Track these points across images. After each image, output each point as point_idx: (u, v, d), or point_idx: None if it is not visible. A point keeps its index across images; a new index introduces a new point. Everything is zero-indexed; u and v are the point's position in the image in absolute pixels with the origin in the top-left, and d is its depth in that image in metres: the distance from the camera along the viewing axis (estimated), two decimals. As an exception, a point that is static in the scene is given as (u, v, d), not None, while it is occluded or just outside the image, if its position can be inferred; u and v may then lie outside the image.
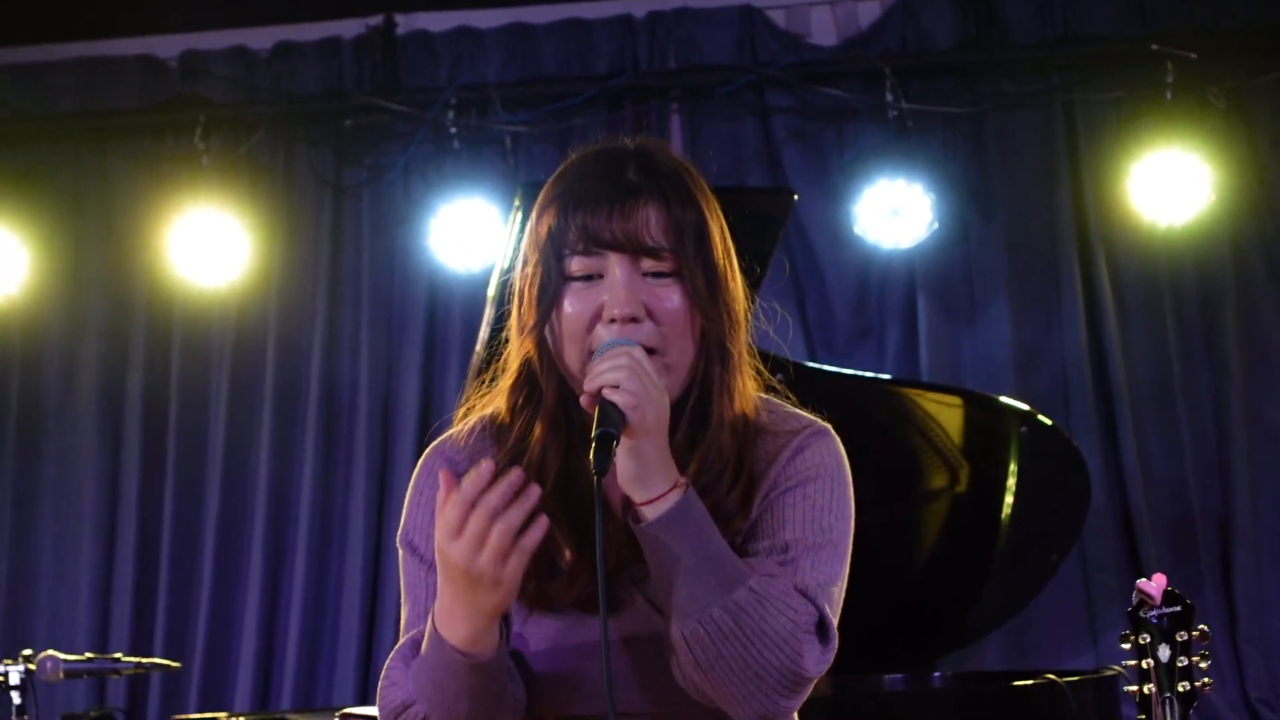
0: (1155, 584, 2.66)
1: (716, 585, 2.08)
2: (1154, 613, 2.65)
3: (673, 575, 2.09)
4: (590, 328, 2.18)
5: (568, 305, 2.19)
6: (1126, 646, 2.67)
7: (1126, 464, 6.32)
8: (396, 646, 2.24)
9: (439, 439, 2.38)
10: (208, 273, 6.44)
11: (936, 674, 5.31)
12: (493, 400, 2.35)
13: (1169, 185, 6.07)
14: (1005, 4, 6.58)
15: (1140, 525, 6.25)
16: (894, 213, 6.21)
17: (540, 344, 2.23)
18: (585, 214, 2.19)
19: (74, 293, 6.81)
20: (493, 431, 2.34)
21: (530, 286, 2.24)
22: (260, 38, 6.86)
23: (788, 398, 2.37)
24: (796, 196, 5.52)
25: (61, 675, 4.11)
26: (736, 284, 2.27)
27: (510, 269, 2.35)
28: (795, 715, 2.33)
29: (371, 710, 3.80)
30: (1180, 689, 2.61)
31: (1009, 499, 5.20)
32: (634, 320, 2.16)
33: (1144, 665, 2.65)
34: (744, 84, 6.61)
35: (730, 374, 2.24)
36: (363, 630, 6.48)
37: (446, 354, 6.62)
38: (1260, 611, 6.25)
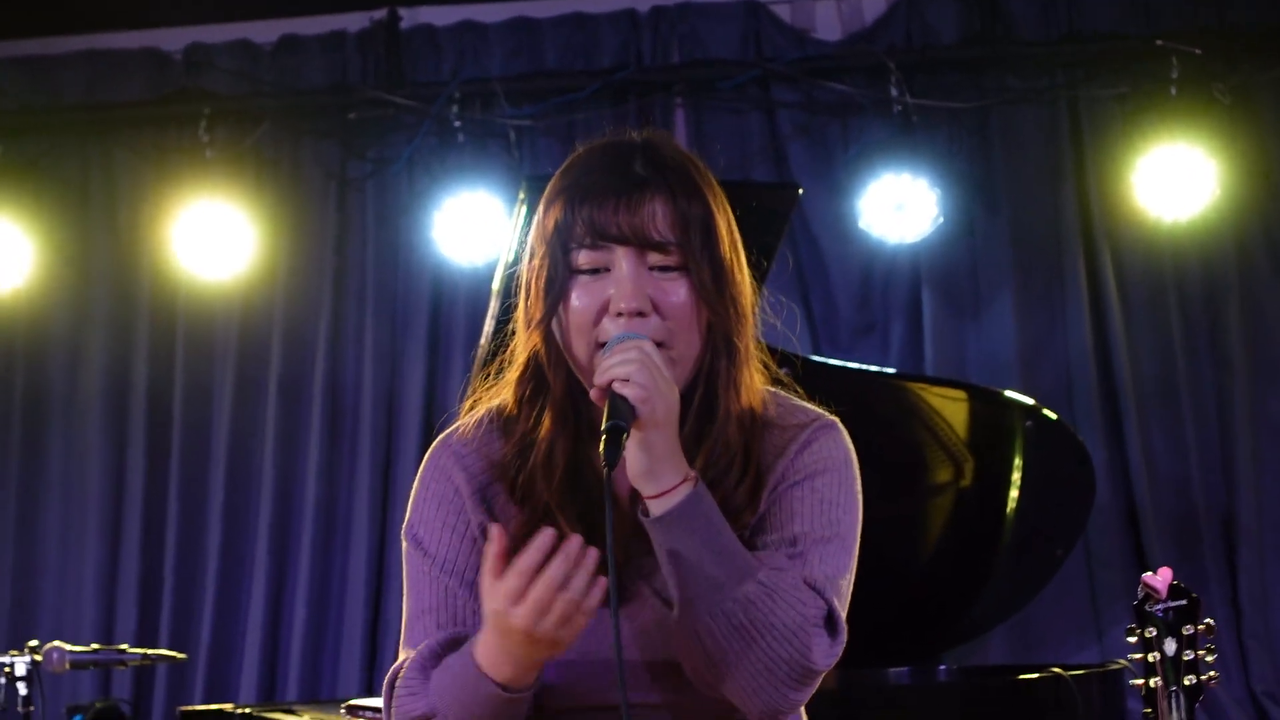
0: (1161, 578, 2.66)
1: (726, 578, 2.09)
2: (1159, 607, 2.65)
3: (682, 569, 2.09)
4: (597, 321, 2.18)
5: (574, 299, 2.20)
6: (1132, 640, 2.67)
7: (1131, 459, 6.32)
8: (414, 653, 2.23)
9: (445, 432, 2.38)
10: (212, 265, 6.44)
11: (942, 668, 5.31)
12: (499, 392, 2.36)
13: (1174, 181, 6.07)
14: (1010, -1, 6.59)
15: (1145, 520, 6.26)
16: (899, 207, 6.21)
17: (547, 337, 2.24)
18: (592, 207, 2.19)
19: (79, 285, 6.81)
20: (500, 424, 2.34)
21: (537, 279, 2.24)
22: (265, 31, 6.86)
23: (795, 391, 2.38)
24: (801, 191, 5.51)
25: (67, 666, 4.13)
26: (744, 277, 2.27)
27: (516, 262, 2.35)
28: (803, 709, 2.34)
29: (377, 702, 3.80)
30: (1186, 683, 2.61)
31: (1014, 493, 5.20)
32: (640, 314, 2.16)
33: (1150, 659, 2.65)
34: (748, 79, 6.61)
35: (737, 368, 2.24)
36: (367, 622, 6.49)
37: (450, 347, 6.62)
38: (1265, 606, 6.25)
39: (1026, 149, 6.57)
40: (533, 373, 2.29)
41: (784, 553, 2.17)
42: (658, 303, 2.18)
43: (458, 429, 2.36)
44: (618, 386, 2.07)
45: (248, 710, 5.34)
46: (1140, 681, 2.66)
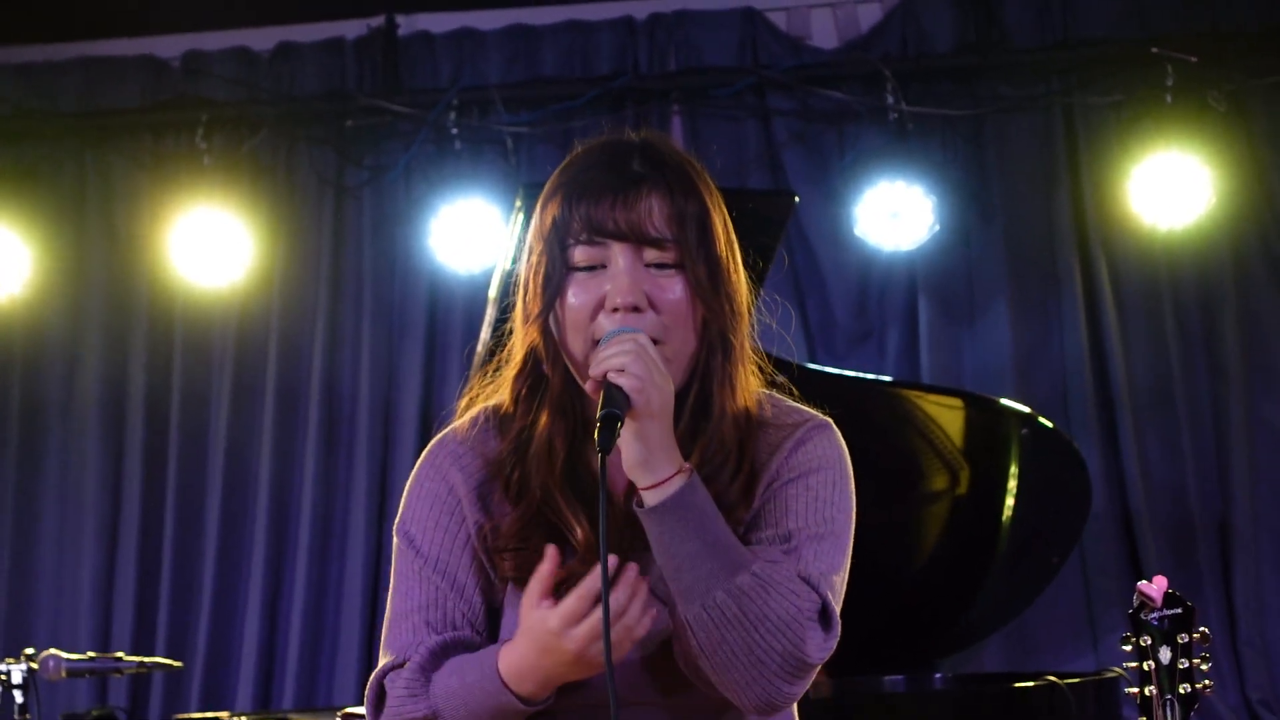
0: (1156, 586, 2.66)
1: (720, 570, 2.10)
2: (1155, 615, 2.65)
3: (676, 560, 2.11)
4: (593, 317, 2.20)
5: (571, 295, 2.21)
6: (1127, 648, 2.68)
7: (1126, 467, 6.33)
8: (413, 655, 2.24)
9: (441, 433, 2.39)
10: (209, 272, 6.44)
11: (937, 675, 5.31)
12: (496, 390, 2.37)
13: (1169, 188, 6.08)
14: (1005, 7, 6.58)
15: (1140, 528, 6.26)
16: (894, 215, 6.21)
17: (545, 333, 2.25)
18: (589, 204, 2.21)
19: (76, 292, 6.81)
20: (496, 422, 2.35)
21: (535, 276, 2.26)
22: (262, 38, 6.87)
23: (791, 395, 2.39)
24: (797, 199, 5.52)
25: (64, 674, 4.12)
26: (739, 277, 2.29)
27: (514, 266, 2.37)
28: (795, 714, 2.35)
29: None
30: (1181, 691, 2.62)
31: (1009, 501, 5.20)
32: (636, 310, 2.18)
33: (1145, 667, 2.66)
34: (745, 86, 6.62)
35: (732, 364, 2.26)
36: (364, 630, 6.48)
37: (447, 354, 6.62)
38: (1260, 614, 6.26)
39: (1022, 157, 6.57)
40: (530, 370, 2.31)
41: (778, 548, 2.18)
42: (654, 299, 2.19)
43: (453, 428, 2.37)
44: (613, 377, 2.09)
45: (244, 718, 5.35)
46: (1135, 690, 2.67)
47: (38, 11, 6.64)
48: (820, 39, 6.75)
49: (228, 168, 6.63)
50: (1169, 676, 2.63)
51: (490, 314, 4.41)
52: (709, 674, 2.13)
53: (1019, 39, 6.57)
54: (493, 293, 4.53)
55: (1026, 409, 5.24)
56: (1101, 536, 6.26)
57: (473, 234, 6.27)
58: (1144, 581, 2.68)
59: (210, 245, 6.38)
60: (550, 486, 2.24)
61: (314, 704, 6.46)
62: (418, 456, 2.41)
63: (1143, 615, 2.67)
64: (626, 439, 2.11)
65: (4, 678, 4.12)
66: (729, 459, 2.24)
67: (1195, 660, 2.63)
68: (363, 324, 6.69)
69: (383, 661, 2.28)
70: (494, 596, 2.30)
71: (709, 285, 2.22)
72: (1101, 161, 6.45)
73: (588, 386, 2.16)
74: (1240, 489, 6.30)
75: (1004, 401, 5.35)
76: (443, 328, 6.66)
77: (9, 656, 4.22)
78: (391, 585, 2.33)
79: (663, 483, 2.12)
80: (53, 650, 4.13)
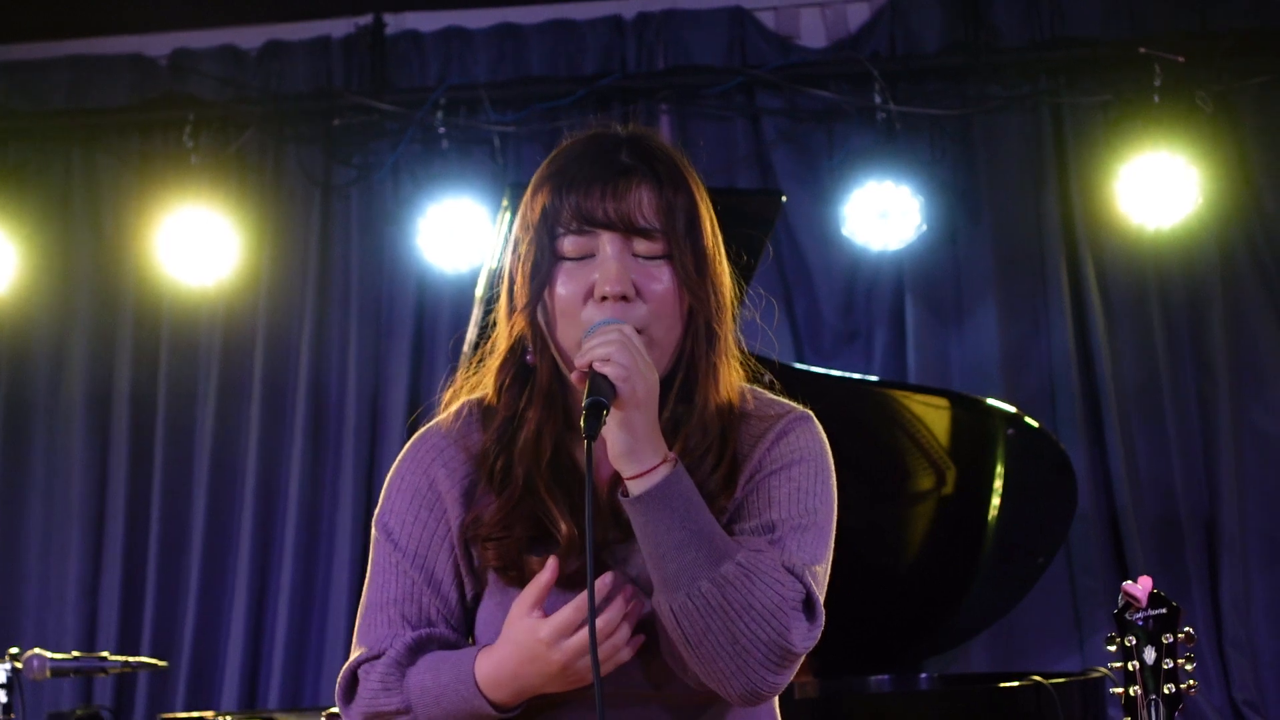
0: (1141, 587, 2.67)
1: (704, 559, 2.11)
2: (1140, 615, 2.66)
3: (661, 549, 2.12)
4: (582, 306, 2.21)
5: (560, 285, 2.23)
6: (1112, 649, 2.68)
7: (1113, 466, 6.33)
8: (387, 649, 2.25)
9: (424, 427, 2.40)
10: (196, 271, 6.43)
11: (923, 676, 5.32)
12: (480, 381, 2.38)
13: (1156, 188, 6.08)
14: (993, 7, 6.59)
15: (1126, 528, 6.26)
16: (882, 215, 6.21)
17: (533, 323, 2.27)
18: (579, 194, 2.23)
19: (62, 291, 6.80)
20: (479, 414, 2.36)
21: (523, 266, 2.27)
22: (250, 37, 6.86)
23: (774, 390, 2.42)
24: (785, 198, 5.52)
25: (48, 674, 4.11)
26: (724, 270, 2.31)
27: (500, 265, 2.38)
28: (777, 712, 2.35)
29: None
30: (1166, 691, 2.62)
31: (995, 501, 5.21)
32: (624, 299, 2.20)
33: (1130, 668, 2.66)
34: (733, 85, 6.62)
35: (716, 355, 2.28)
36: (350, 630, 6.39)
37: (434, 354, 6.61)
38: (1246, 614, 6.26)
39: (1009, 156, 6.57)
40: (514, 360, 2.32)
41: (762, 539, 2.20)
42: (641, 289, 2.21)
43: (438, 422, 2.39)
44: (598, 366, 2.10)
45: (229, 717, 5.34)
46: (1121, 690, 2.67)
47: (25, 9, 6.62)
48: (809, 38, 6.75)
49: (215, 166, 6.62)
50: (1154, 677, 2.63)
51: (477, 313, 4.41)
52: (693, 664, 2.13)
53: (1007, 39, 6.58)
54: (480, 292, 4.53)
55: (1013, 409, 5.24)
56: (1088, 536, 6.26)
57: (460, 233, 6.26)
58: (1129, 582, 2.69)
59: (197, 244, 6.37)
60: (535, 478, 2.26)
61: (299, 704, 6.46)
62: (405, 455, 2.42)
63: (1128, 615, 2.67)
64: (611, 428, 2.12)
65: (-12, 677, 4.12)
66: (711, 449, 2.26)
67: (1180, 660, 2.63)
68: (350, 323, 6.68)
69: (356, 653, 2.29)
70: (469, 593, 2.31)
71: (696, 276, 2.24)
72: (1089, 161, 6.45)
73: (573, 377, 2.17)
74: (1227, 489, 6.30)
75: (990, 401, 5.35)
76: (430, 327, 6.65)
77: (-7, 656, 4.22)
78: (368, 576, 2.35)
79: (648, 472, 2.13)
80: (37, 650, 4.12)
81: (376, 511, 2.37)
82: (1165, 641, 2.64)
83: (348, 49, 6.79)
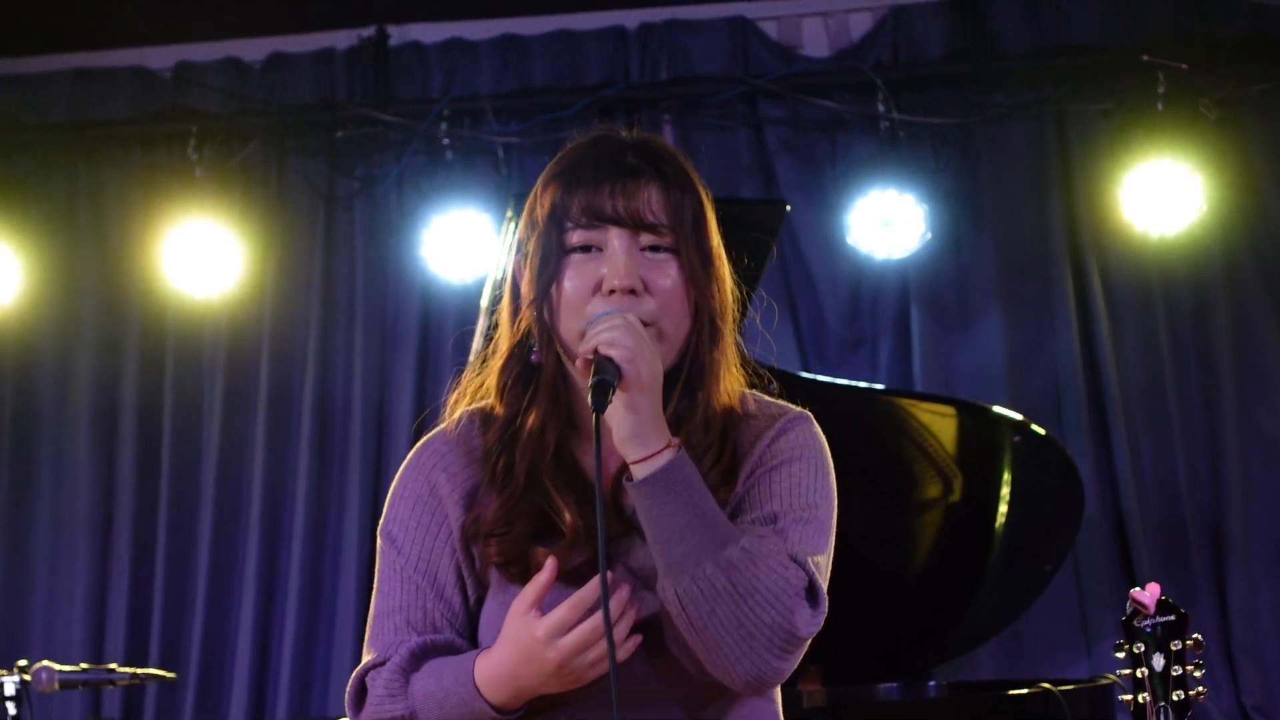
0: (1149, 593, 2.66)
1: (709, 543, 2.12)
2: (1148, 622, 2.65)
3: (666, 533, 2.13)
4: (589, 300, 2.24)
5: (567, 280, 2.25)
6: (1121, 656, 2.68)
7: (1119, 473, 6.33)
8: (393, 655, 2.26)
9: (427, 435, 2.42)
10: (201, 283, 6.43)
11: (932, 683, 5.31)
12: (483, 380, 2.40)
13: (1160, 196, 6.08)
14: (996, 15, 6.59)
15: (1133, 533, 6.26)
16: (886, 223, 6.22)
17: (539, 319, 2.29)
18: (588, 190, 2.26)
19: (68, 303, 6.80)
20: (480, 421, 2.38)
21: (531, 261, 2.30)
22: (253, 49, 6.86)
23: (778, 395, 2.44)
24: (789, 208, 5.53)
25: (57, 686, 4.12)
26: (727, 273, 2.34)
27: (503, 271, 2.41)
28: (780, 714, 2.36)
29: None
30: (1175, 698, 2.62)
31: (1002, 508, 5.20)
32: (632, 292, 2.22)
33: (1138, 674, 2.65)
34: (736, 95, 6.62)
35: (720, 353, 2.31)
36: (357, 640, 6.47)
37: (440, 364, 6.61)
38: (1254, 619, 6.25)
39: (1013, 164, 6.57)
40: (518, 361, 2.34)
41: (766, 528, 2.21)
42: (649, 283, 2.24)
43: (441, 430, 2.40)
44: (603, 349, 2.13)
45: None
46: (1129, 697, 2.66)
47: (28, 23, 6.63)
48: (811, 48, 6.75)
49: (219, 179, 6.62)
50: (1162, 684, 2.63)
51: (482, 324, 4.41)
52: (699, 650, 2.14)
53: (1010, 47, 6.58)
54: (485, 302, 4.53)
55: (1019, 416, 5.25)
56: (1095, 542, 6.26)
57: (465, 244, 6.26)
58: (1137, 588, 2.68)
59: (202, 256, 6.38)
60: (539, 470, 2.27)
61: (307, 714, 6.46)
62: (411, 466, 2.43)
63: (1136, 622, 2.66)
64: (617, 410, 2.14)
65: (-3, 690, 4.12)
66: (712, 445, 2.28)
67: (1189, 667, 2.63)
68: (355, 334, 6.69)
69: (365, 659, 2.30)
70: (473, 596, 2.32)
71: (702, 272, 2.27)
72: (1093, 169, 6.45)
73: (578, 364, 2.19)
74: (1234, 494, 6.30)
75: (997, 409, 5.35)
76: (435, 338, 6.65)
77: (2, 668, 4.22)
78: (375, 585, 2.36)
79: (653, 455, 2.15)
80: (46, 662, 4.13)
81: (380, 522, 2.38)
82: (1174, 648, 2.63)
83: (351, 61, 6.79)
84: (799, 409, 2.38)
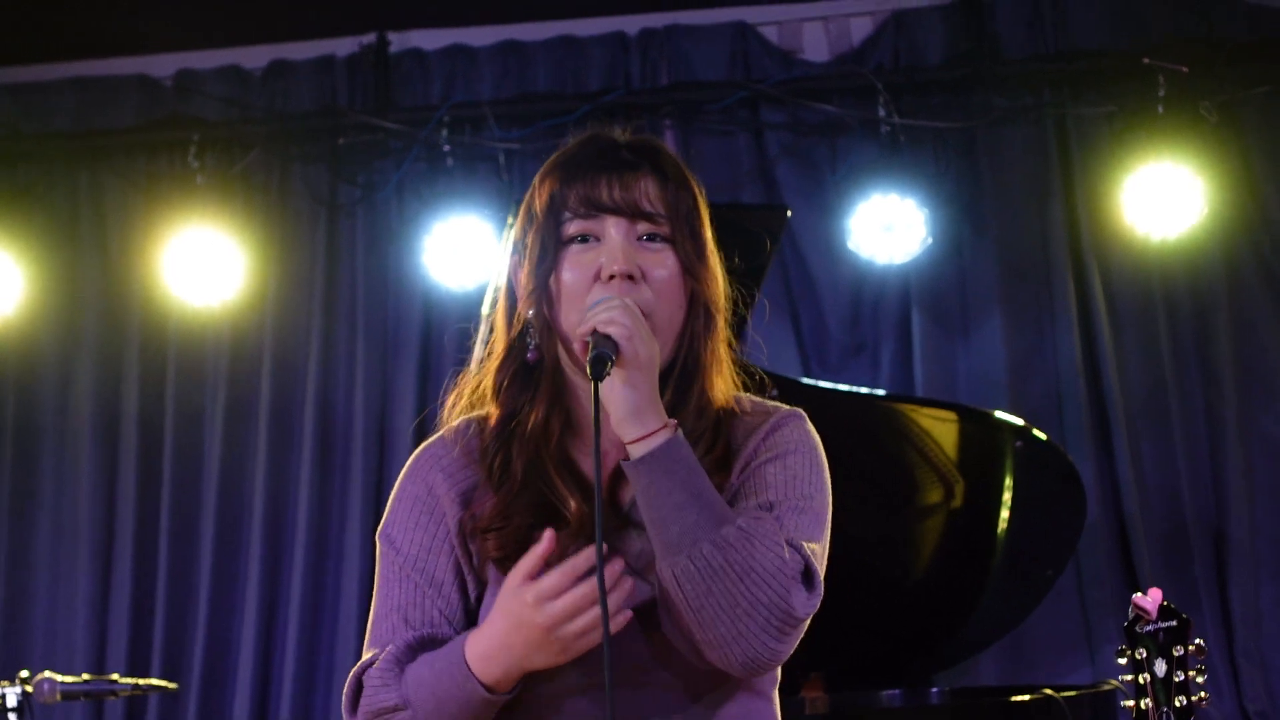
0: (1151, 599, 2.66)
1: (705, 521, 2.14)
2: (1150, 627, 2.65)
3: (663, 512, 2.15)
4: (588, 290, 2.27)
5: (565, 270, 2.29)
6: (1123, 661, 2.67)
7: (1121, 477, 6.32)
8: (387, 648, 2.27)
9: (426, 442, 2.45)
10: (203, 292, 6.43)
11: (934, 690, 5.31)
12: (480, 382, 2.43)
13: (1161, 199, 6.07)
14: (996, 19, 6.59)
15: (1135, 538, 6.25)
16: (887, 228, 6.21)
17: (539, 310, 2.31)
18: (585, 182, 2.30)
19: (69, 312, 6.81)
20: (477, 426, 2.41)
21: (529, 253, 2.33)
22: (254, 57, 6.87)
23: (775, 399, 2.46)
24: (790, 212, 5.52)
25: (59, 697, 4.12)
26: (720, 270, 2.39)
27: (501, 281, 2.44)
28: (778, 713, 2.36)
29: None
30: (1177, 704, 2.61)
31: (1004, 514, 5.20)
32: (630, 279, 2.26)
33: (1140, 680, 2.65)
34: (737, 100, 6.62)
35: (714, 345, 2.35)
36: (359, 650, 6.44)
37: (442, 372, 6.60)
38: (1257, 624, 6.24)
39: (1014, 168, 6.57)
40: (514, 360, 2.37)
41: (761, 512, 2.23)
42: (646, 272, 2.28)
43: (439, 435, 2.44)
44: (601, 327, 2.16)
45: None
46: (1132, 703, 2.66)
47: (29, 32, 6.64)
48: (812, 52, 6.75)
49: (220, 186, 6.63)
50: (1165, 689, 2.62)
51: (484, 330, 4.40)
52: (695, 631, 2.15)
53: (1010, 51, 6.58)
54: (486, 309, 4.53)
55: (1021, 421, 5.24)
56: (1097, 547, 6.25)
57: (466, 250, 6.27)
58: (1139, 594, 2.68)
59: (203, 264, 6.37)
60: (543, 460, 2.30)
61: (310, 723, 6.46)
62: (413, 474, 2.45)
63: (1138, 628, 2.66)
64: (615, 388, 2.16)
65: (-1, 701, 4.12)
66: (705, 434, 2.31)
67: (1191, 673, 2.62)
68: (356, 341, 6.68)
69: (363, 659, 2.32)
70: (472, 593, 2.34)
71: (698, 262, 2.31)
72: (1094, 172, 6.45)
73: (576, 347, 2.22)
74: (1236, 499, 6.29)
75: (998, 414, 5.35)
76: (437, 345, 6.65)
77: (3, 679, 4.22)
78: (375, 588, 2.38)
79: (650, 435, 2.17)
80: (48, 673, 4.13)
81: (380, 526, 2.41)
82: (1176, 654, 2.63)
83: (352, 68, 6.80)
84: (792, 408, 2.40)
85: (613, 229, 2.28)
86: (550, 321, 2.30)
